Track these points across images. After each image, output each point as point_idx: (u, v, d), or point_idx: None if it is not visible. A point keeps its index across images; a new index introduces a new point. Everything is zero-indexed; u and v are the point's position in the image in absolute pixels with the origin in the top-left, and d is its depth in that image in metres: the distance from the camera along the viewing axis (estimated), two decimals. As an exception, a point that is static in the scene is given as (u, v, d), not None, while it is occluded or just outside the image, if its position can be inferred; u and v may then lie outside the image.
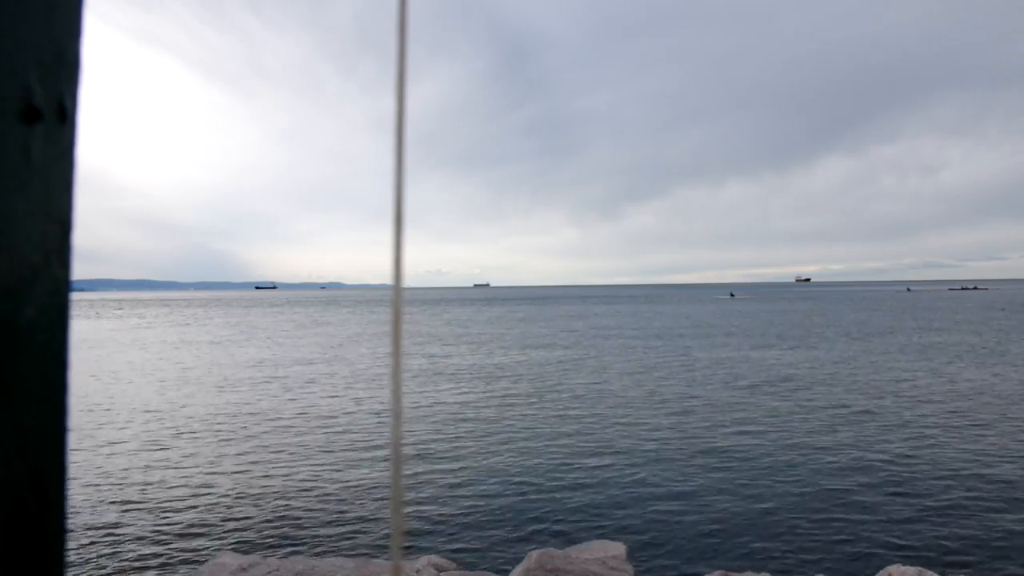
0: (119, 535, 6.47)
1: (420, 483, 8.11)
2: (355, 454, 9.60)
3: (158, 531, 6.58)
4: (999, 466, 8.55)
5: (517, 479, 8.24)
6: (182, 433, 11.11)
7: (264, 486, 8.05)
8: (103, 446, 10.16)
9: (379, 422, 11.84)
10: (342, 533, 6.53)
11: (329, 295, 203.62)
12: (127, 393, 15.36)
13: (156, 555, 6.00)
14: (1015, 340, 25.51)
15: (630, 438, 10.37)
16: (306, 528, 6.66)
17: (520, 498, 7.52)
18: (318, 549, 6.12)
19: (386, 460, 9.17)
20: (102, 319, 54.51)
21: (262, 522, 6.82)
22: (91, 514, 7.05)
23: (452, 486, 8.00)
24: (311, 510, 7.18)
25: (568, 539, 6.24)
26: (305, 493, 7.76)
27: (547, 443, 10.14)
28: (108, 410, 13.15)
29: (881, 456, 9.09)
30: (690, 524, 6.66)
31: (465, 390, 15.53)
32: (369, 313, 63.11)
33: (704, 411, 12.47)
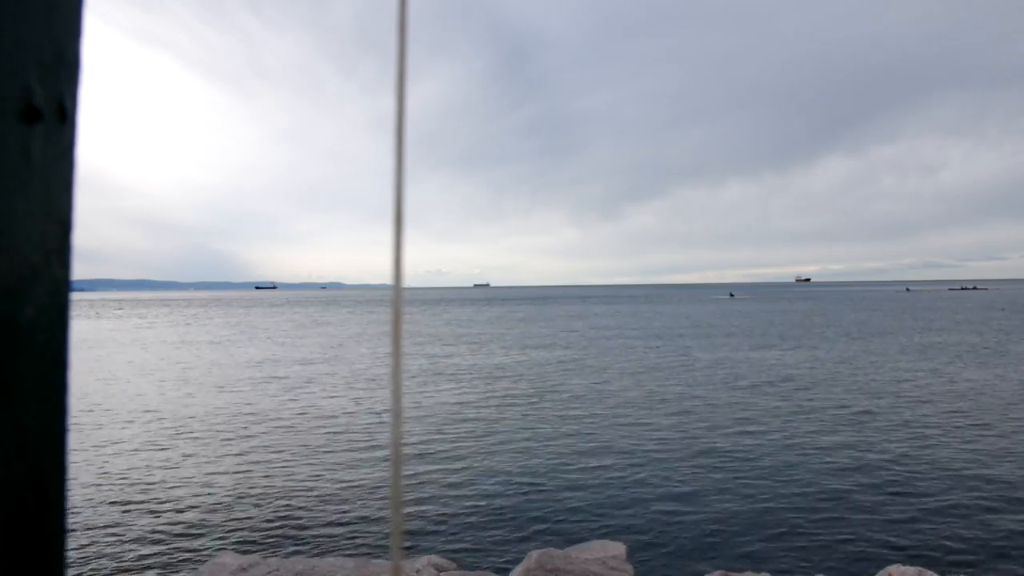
0: (119, 535, 6.47)
1: (420, 483, 8.11)
2: (355, 454, 9.60)
3: (158, 531, 6.58)
4: (999, 466, 8.55)
5: (517, 479, 8.24)
6: (182, 433, 11.11)
7: (264, 486, 8.06)
8: (103, 446, 10.16)
9: (379, 422, 11.84)
10: (342, 533, 6.53)
11: (329, 295, 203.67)
12: (127, 393, 15.37)
13: (156, 555, 6.00)
14: (1015, 340, 25.50)
15: (630, 438, 10.37)
16: (306, 528, 6.67)
17: (520, 498, 7.52)
18: (318, 549, 6.12)
19: (386, 460, 9.17)
20: (102, 319, 54.52)
21: (262, 522, 6.82)
22: (91, 514, 7.05)
23: (452, 486, 8.00)
24: (311, 510, 7.18)
25: (568, 539, 6.24)
26: (305, 493, 7.76)
27: (547, 443, 10.14)
28: (108, 410, 13.16)
29: (881, 456, 9.08)
30: (690, 524, 6.66)
31: (465, 390, 15.53)
32: (369, 313, 63.11)
33: (704, 411, 12.47)
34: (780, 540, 6.24)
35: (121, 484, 8.17)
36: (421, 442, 10.23)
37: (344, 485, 8.07)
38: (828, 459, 8.99)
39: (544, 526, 6.69)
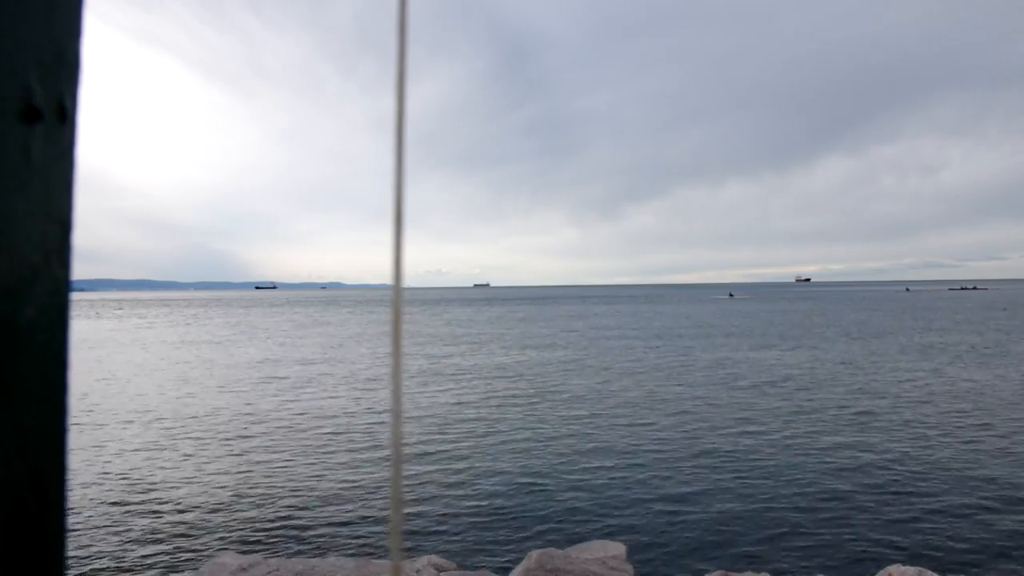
0: (119, 535, 6.47)
1: (420, 483, 8.11)
2: (355, 454, 9.60)
3: (158, 531, 6.58)
4: (999, 466, 8.55)
5: (517, 479, 8.24)
6: (182, 433, 11.11)
7: (264, 486, 8.06)
8: (103, 446, 10.16)
9: (379, 422, 11.84)
10: (342, 533, 6.54)
11: (329, 295, 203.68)
12: (127, 393, 15.37)
13: (156, 555, 6.00)
14: (1016, 340, 25.50)
15: (630, 438, 10.37)
16: (306, 528, 6.67)
17: (520, 498, 7.52)
18: (318, 549, 6.12)
19: (386, 460, 9.17)
20: (102, 319, 54.52)
21: (262, 522, 6.82)
22: (91, 514, 7.05)
23: (452, 486, 8.00)
24: (311, 510, 7.18)
25: (568, 539, 6.24)
26: (305, 493, 7.77)
27: (547, 443, 10.14)
28: (108, 410, 13.16)
29: (881, 456, 9.08)
30: (690, 524, 6.66)
31: (465, 390, 15.53)
32: (369, 313, 63.12)
33: (704, 411, 12.47)
34: (780, 540, 6.24)
35: (121, 484, 8.17)
36: (421, 442, 10.23)
37: (344, 485, 8.07)
38: (828, 459, 8.99)
39: (544, 526, 6.69)
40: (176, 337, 33.69)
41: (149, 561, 5.87)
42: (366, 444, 10.21)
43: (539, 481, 8.16)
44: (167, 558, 5.94)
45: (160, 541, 6.32)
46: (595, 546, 5.48)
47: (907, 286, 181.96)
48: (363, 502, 7.43)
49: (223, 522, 6.82)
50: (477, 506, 7.26)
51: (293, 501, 7.47)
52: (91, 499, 7.56)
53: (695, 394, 14.39)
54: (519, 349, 25.62)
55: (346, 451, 9.78)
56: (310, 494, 7.72)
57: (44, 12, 0.42)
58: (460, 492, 7.77)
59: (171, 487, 8.06)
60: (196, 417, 12.49)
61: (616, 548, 5.34)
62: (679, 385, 15.73)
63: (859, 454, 9.21)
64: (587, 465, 8.86)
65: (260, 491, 7.85)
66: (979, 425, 10.93)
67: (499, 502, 7.39)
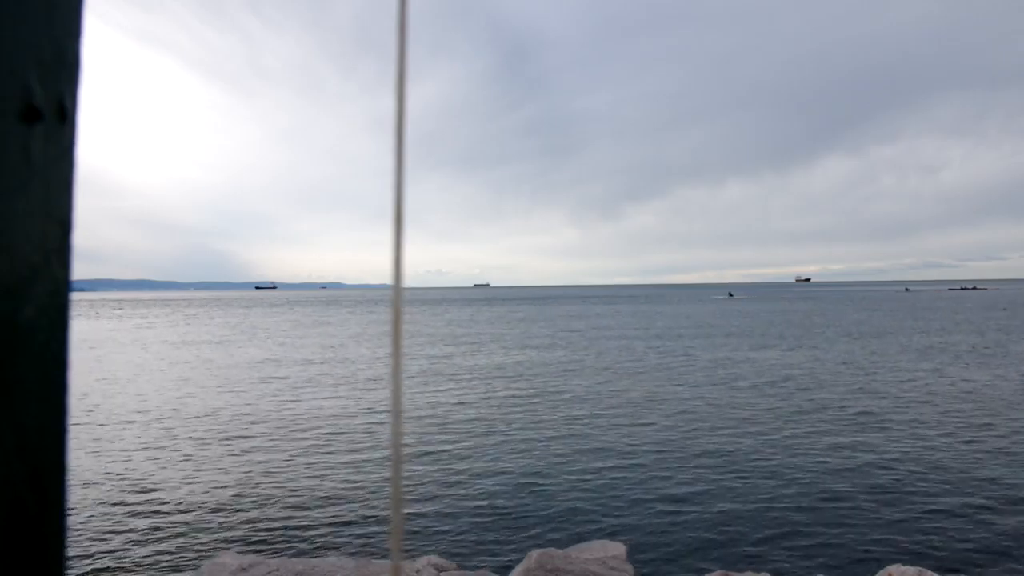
0: (119, 535, 6.47)
1: (420, 483, 8.11)
2: (355, 454, 9.60)
3: (158, 531, 6.58)
4: (999, 466, 8.55)
5: (517, 479, 8.24)
6: (182, 433, 11.11)
7: (264, 486, 8.06)
8: (103, 446, 10.16)
9: (379, 422, 11.84)
10: (342, 533, 6.54)
11: (329, 295, 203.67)
12: (127, 393, 15.37)
13: (156, 555, 6.00)
14: (1016, 340, 25.50)
15: (630, 438, 10.37)
16: (306, 528, 6.67)
17: (520, 498, 7.52)
18: (318, 549, 6.12)
19: (386, 460, 9.17)
20: (102, 319, 54.52)
21: (262, 522, 6.82)
22: (91, 514, 7.05)
23: (452, 486, 8.00)
24: (311, 510, 7.18)
25: (568, 539, 6.24)
26: (305, 493, 7.77)
27: (547, 443, 10.14)
28: (108, 410, 13.16)
29: (881, 456, 9.08)
30: (690, 524, 6.66)
31: (465, 390, 15.53)
32: (369, 313, 63.12)
33: (704, 411, 12.47)
34: (780, 540, 6.24)
35: (121, 484, 8.17)
36: (421, 442, 10.23)
37: (344, 485, 8.07)
38: (828, 459, 8.99)
39: (544, 526, 6.69)
40: (176, 337, 33.69)
41: (149, 561, 5.87)
42: (366, 444, 10.21)
43: (539, 481, 8.16)
44: (167, 558, 5.94)
45: (160, 541, 6.32)
46: (595, 546, 5.48)
47: (907, 286, 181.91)
48: (363, 502, 7.43)
49: (223, 522, 6.82)
50: (477, 506, 7.26)
51: (293, 501, 7.47)
52: (91, 499, 7.56)
53: (695, 394, 14.39)
54: (519, 349, 25.62)
55: (346, 451, 9.78)
56: (310, 494, 7.72)
57: (44, 12, 0.42)
58: (460, 492, 7.77)
59: (171, 487, 8.06)
60: (196, 417, 12.49)
61: (616, 548, 5.34)
62: (679, 385, 15.73)
63: (859, 454, 9.21)
64: (587, 465, 8.86)
65: (260, 491, 7.85)
66: (979, 425, 10.93)
67: (499, 502, 7.39)
